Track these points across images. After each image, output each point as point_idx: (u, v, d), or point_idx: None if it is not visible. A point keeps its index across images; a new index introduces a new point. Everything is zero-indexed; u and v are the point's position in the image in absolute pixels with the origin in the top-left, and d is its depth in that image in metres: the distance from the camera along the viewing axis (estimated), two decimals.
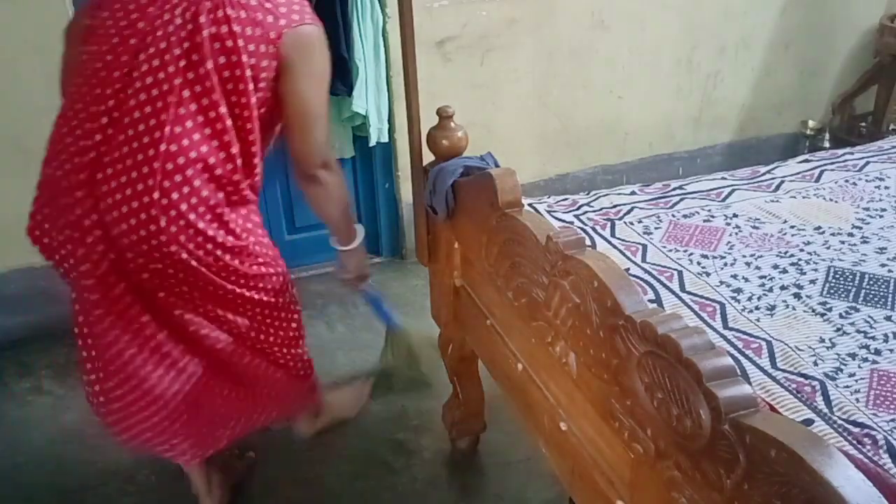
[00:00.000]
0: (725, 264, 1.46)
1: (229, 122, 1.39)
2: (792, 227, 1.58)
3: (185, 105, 1.35)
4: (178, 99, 1.35)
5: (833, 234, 1.54)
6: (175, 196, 1.36)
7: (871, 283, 1.36)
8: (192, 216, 1.39)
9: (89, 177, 1.38)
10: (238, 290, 1.52)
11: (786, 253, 1.48)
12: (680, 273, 1.43)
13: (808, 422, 1.04)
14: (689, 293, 1.37)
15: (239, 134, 1.42)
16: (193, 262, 1.41)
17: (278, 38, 1.39)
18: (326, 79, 1.52)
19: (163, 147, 1.34)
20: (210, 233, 1.42)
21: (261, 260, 1.54)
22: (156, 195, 1.35)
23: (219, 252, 1.44)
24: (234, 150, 1.41)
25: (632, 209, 1.69)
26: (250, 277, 1.53)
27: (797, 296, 1.34)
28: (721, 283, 1.40)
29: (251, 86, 1.39)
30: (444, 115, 1.60)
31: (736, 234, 1.57)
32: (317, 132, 1.53)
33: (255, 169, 1.49)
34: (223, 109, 1.37)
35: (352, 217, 1.76)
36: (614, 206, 1.71)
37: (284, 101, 1.47)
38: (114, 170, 1.36)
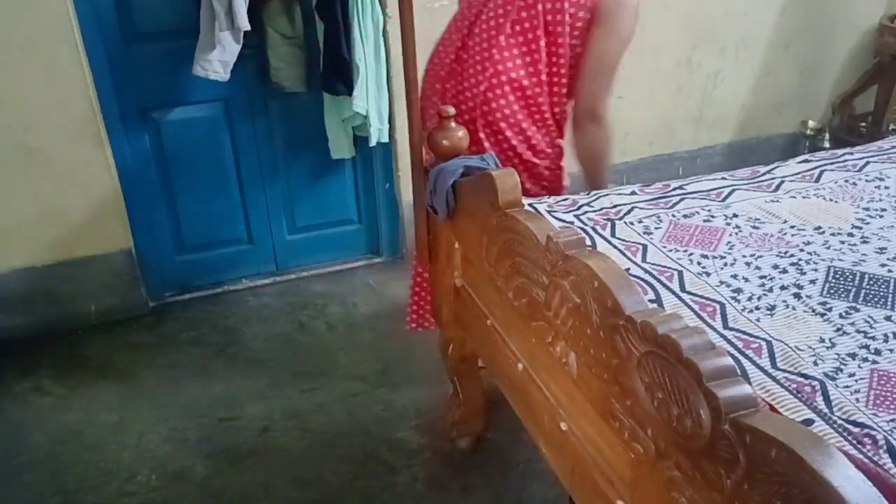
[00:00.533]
0: (725, 264, 1.46)
1: (544, 54, 1.75)
2: (792, 227, 1.58)
3: (513, 37, 1.76)
4: (508, 32, 1.75)
5: (833, 234, 1.54)
6: (493, 105, 1.78)
7: (871, 283, 1.36)
8: (502, 124, 1.79)
9: (446, 75, 1.87)
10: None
11: (786, 253, 1.48)
12: (680, 273, 1.43)
13: (808, 422, 1.03)
14: (689, 293, 1.37)
15: (550, 69, 1.78)
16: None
17: None
18: (627, 44, 1.78)
19: (490, 69, 1.76)
20: (514, 142, 1.81)
21: (544, 183, 1.90)
22: (478, 101, 1.78)
23: (516, 161, 1.82)
24: (544, 77, 1.77)
25: (632, 209, 1.69)
26: (531, 193, 1.86)
27: (797, 296, 1.34)
28: (721, 283, 1.40)
29: (567, 29, 1.73)
30: (444, 115, 1.60)
31: (736, 234, 1.56)
32: (598, 84, 1.79)
33: (561, 99, 1.82)
34: (542, 43, 1.74)
35: (604, 175, 1.95)
36: (614, 206, 1.71)
37: (586, 49, 1.76)
38: (462, 76, 1.82)
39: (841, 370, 1.14)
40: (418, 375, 2.30)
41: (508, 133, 1.80)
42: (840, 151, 1.96)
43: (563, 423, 1.27)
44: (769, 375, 1.14)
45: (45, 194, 2.40)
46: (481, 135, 1.80)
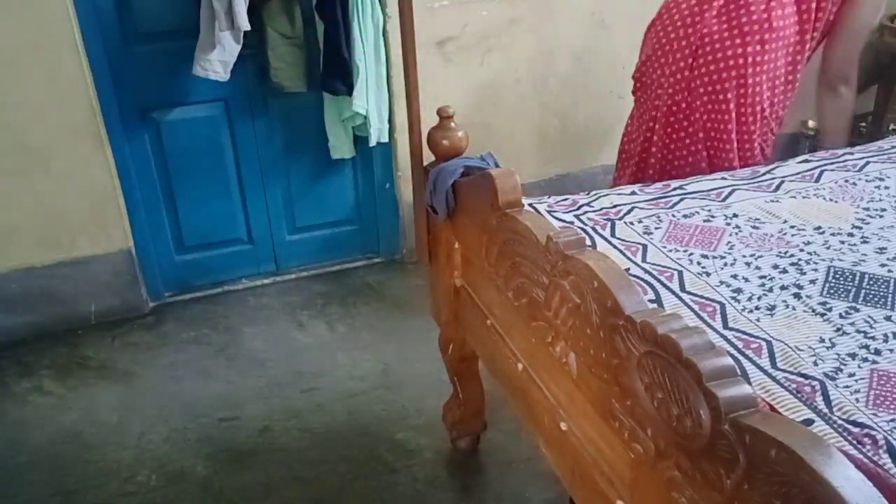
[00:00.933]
0: (725, 264, 1.46)
1: (813, 16, 1.91)
2: (792, 227, 1.58)
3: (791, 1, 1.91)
4: None
5: (833, 234, 1.54)
6: (766, 57, 1.91)
7: (871, 283, 1.36)
8: (763, 76, 1.93)
9: (686, 33, 1.97)
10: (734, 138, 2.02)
11: (786, 253, 1.48)
12: (680, 273, 1.43)
13: (808, 422, 1.04)
14: (689, 293, 1.37)
15: (812, 33, 1.93)
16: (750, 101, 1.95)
17: None
18: (879, 10, 1.98)
19: (766, 27, 1.89)
20: (765, 95, 1.95)
21: (772, 136, 2.05)
22: (749, 50, 1.90)
23: (759, 115, 1.98)
24: (808, 36, 1.93)
25: (632, 209, 1.69)
26: (754, 136, 2.01)
27: (797, 296, 1.34)
28: (721, 283, 1.40)
29: None
30: (444, 115, 1.60)
31: (736, 234, 1.57)
32: (849, 47, 1.97)
33: (806, 61, 2.00)
34: (813, 5, 1.91)
35: (844, 141, 2.10)
36: (614, 206, 1.71)
37: (839, 14, 1.93)
38: (717, 26, 1.93)
39: (841, 370, 1.14)
40: (418, 375, 2.30)
41: (764, 87, 1.95)
42: (840, 151, 1.96)
43: (563, 423, 1.27)
44: (769, 375, 1.14)
45: (45, 194, 2.40)
46: (750, 81, 1.93)
